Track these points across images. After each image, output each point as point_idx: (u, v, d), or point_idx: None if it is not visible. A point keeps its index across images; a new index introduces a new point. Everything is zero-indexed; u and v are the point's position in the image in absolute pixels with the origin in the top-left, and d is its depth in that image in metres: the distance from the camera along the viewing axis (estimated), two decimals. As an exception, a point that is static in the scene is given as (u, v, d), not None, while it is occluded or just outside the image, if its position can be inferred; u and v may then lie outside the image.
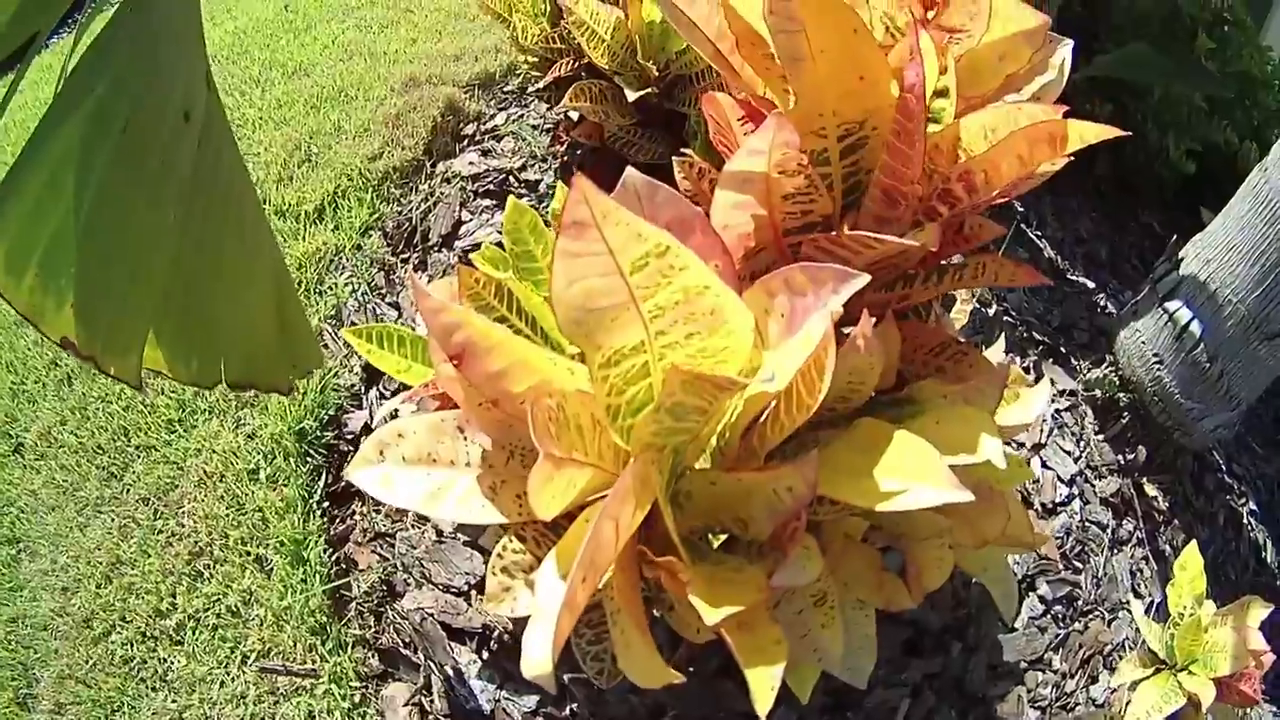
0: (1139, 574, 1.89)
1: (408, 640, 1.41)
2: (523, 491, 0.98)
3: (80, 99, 0.68)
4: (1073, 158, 0.97)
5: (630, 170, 0.83)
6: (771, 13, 0.87)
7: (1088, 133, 0.92)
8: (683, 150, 1.15)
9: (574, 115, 1.83)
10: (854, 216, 1.05)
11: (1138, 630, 1.83)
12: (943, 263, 1.14)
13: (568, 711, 1.36)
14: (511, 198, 1.14)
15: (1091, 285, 2.20)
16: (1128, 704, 1.73)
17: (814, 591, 1.02)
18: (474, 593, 1.43)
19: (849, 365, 0.87)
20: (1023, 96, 1.12)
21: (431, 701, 1.35)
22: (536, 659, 0.65)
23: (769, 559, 0.94)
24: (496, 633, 1.39)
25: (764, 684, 0.76)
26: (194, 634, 1.44)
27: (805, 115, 0.94)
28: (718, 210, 0.91)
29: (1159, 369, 1.92)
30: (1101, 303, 2.18)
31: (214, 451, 1.59)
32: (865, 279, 0.79)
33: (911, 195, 0.99)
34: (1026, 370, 1.94)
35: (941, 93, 1.00)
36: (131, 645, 1.47)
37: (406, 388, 1.57)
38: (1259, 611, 1.56)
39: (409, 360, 1.16)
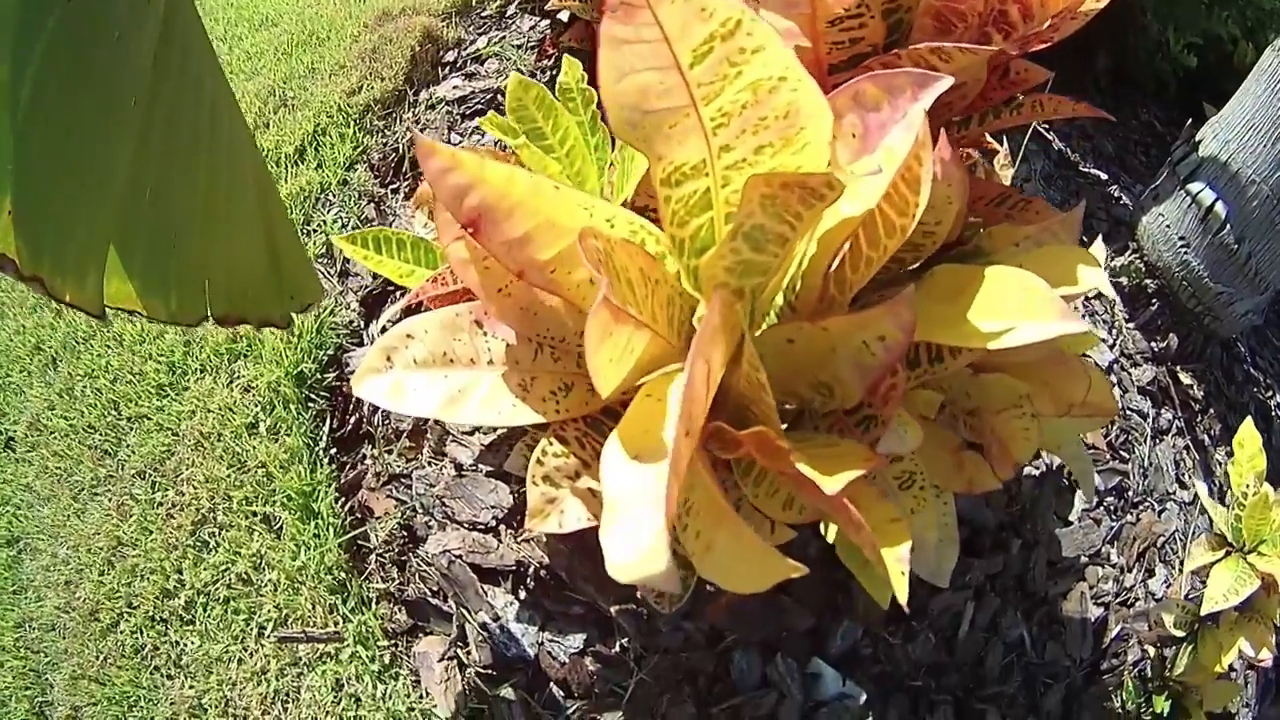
0: (1182, 464, 1.72)
1: (436, 588, 1.21)
2: (559, 386, 0.78)
3: None
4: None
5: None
6: None
7: None
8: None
9: (561, 18, 1.61)
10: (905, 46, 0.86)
11: (1187, 521, 1.68)
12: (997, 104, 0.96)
13: (617, 647, 1.17)
14: (514, 74, 0.93)
15: (1104, 177, 2.01)
16: (1186, 595, 1.58)
17: (898, 473, 0.83)
18: (503, 527, 1.24)
19: (934, 194, 0.67)
20: None
21: (468, 652, 1.16)
22: (639, 549, 0.45)
23: (849, 434, 0.76)
24: (532, 568, 1.20)
25: (898, 565, 0.57)
26: (205, 611, 1.24)
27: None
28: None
29: (1186, 253, 1.75)
30: (1115, 194, 1.99)
31: (209, 410, 1.38)
32: (949, 80, 0.60)
33: (970, 13, 0.80)
34: (1055, 260, 1.76)
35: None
36: (141, 632, 1.27)
37: (415, 314, 1.38)
38: None
39: (411, 264, 0.95)
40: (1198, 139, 1.80)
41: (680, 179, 0.60)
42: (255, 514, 1.26)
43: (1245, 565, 1.38)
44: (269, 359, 1.37)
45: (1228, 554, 1.39)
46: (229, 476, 1.30)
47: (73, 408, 1.55)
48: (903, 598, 0.59)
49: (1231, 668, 1.59)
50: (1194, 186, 1.76)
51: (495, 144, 1.55)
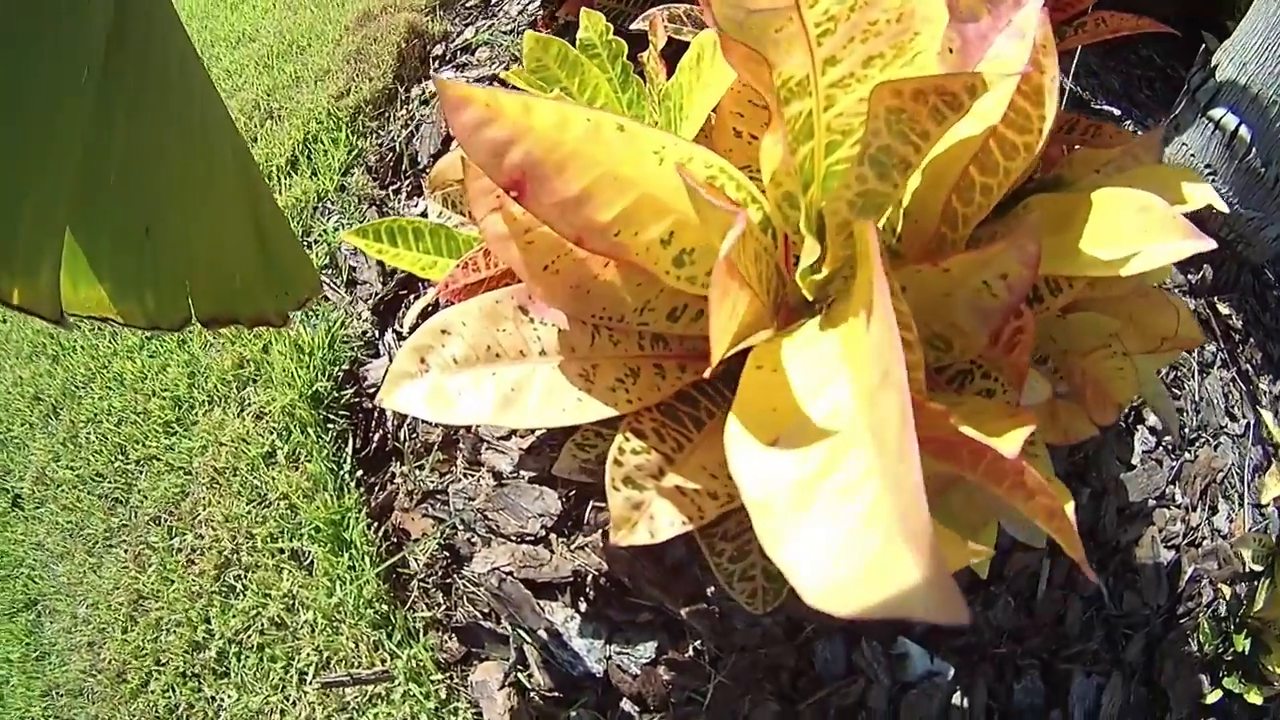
0: (1230, 396, 1.59)
1: (487, 610, 1.07)
2: (624, 373, 0.64)
3: None
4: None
5: None
6: None
7: None
8: None
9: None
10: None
11: (1241, 454, 1.56)
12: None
13: (690, 651, 1.03)
14: (530, 32, 0.78)
15: (1117, 113, 1.87)
16: (1251, 528, 1.46)
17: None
18: (554, 536, 1.10)
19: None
20: None
21: (530, 676, 1.02)
22: (864, 563, 0.30)
23: (958, 390, 0.62)
24: (590, 577, 1.06)
25: (1069, 529, 0.44)
26: (239, 661, 1.09)
27: None
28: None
29: (1214, 180, 1.62)
30: (1131, 129, 1.86)
31: (221, 444, 1.23)
32: None
33: None
34: (1085, 199, 1.63)
35: None
36: (173, 690, 1.13)
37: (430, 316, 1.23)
38: None
39: (433, 254, 0.81)
40: (1213, 64, 1.67)
41: (788, 96, 0.46)
42: (282, 551, 1.11)
43: None
44: (280, 381, 1.22)
45: None
46: (250, 513, 1.15)
47: (78, 456, 1.40)
48: (1084, 559, 0.46)
49: None
50: (1216, 112, 1.63)
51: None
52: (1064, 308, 0.84)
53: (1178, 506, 1.42)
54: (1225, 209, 0.68)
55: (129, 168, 0.56)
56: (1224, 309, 1.67)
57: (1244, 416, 1.60)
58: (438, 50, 1.66)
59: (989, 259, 0.53)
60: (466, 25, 1.70)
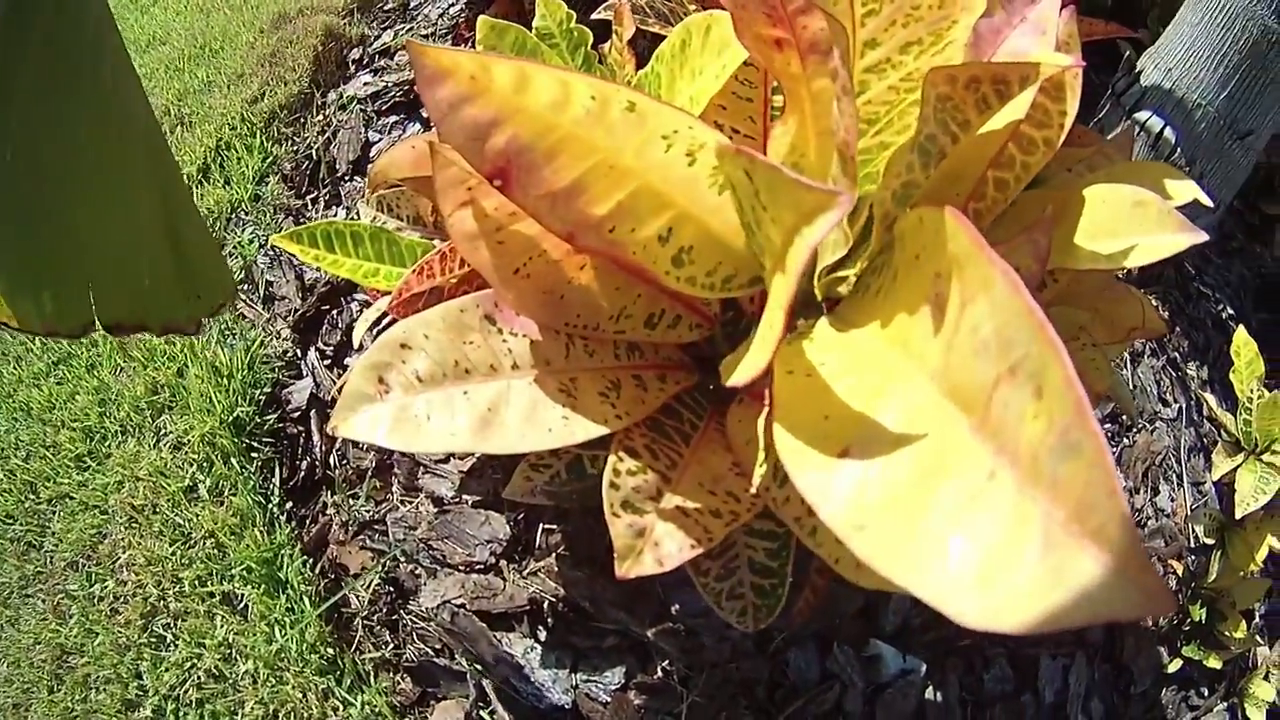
0: (1162, 383, 1.66)
1: (439, 646, 1.00)
2: (608, 386, 0.59)
3: None
4: None
5: None
6: None
7: None
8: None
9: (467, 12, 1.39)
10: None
11: (1176, 436, 1.62)
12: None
13: (660, 673, 0.98)
14: (483, 18, 0.72)
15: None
16: (1193, 506, 1.52)
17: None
18: (505, 563, 1.03)
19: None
20: None
21: (493, 712, 0.95)
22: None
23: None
24: (548, 604, 0.99)
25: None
26: (177, 718, 0.97)
27: None
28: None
29: (1138, 178, 1.69)
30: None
31: (138, 479, 1.11)
32: None
33: None
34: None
35: None
36: (110, 755, 1.00)
37: (351, 339, 1.14)
38: None
39: (374, 261, 0.73)
40: (1138, 69, 1.75)
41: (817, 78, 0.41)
42: (213, 594, 1.00)
43: (1264, 466, 1.31)
44: (197, 408, 1.11)
45: (1245, 458, 1.32)
46: (174, 554, 1.04)
47: (-14, 497, 1.24)
48: None
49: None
50: (1141, 115, 1.71)
51: (424, 136, 1.32)
52: (1049, 301, 0.84)
53: (1123, 489, 1.46)
54: (1210, 204, 0.68)
55: (30, 147, 0.48)
56: (1152, 300, 1.74)
57: (1176, 401, 1.67)
58: (355, 54, 1.56)
59: (1004, 253, 0.50)
60: (385, 29, 1.61)
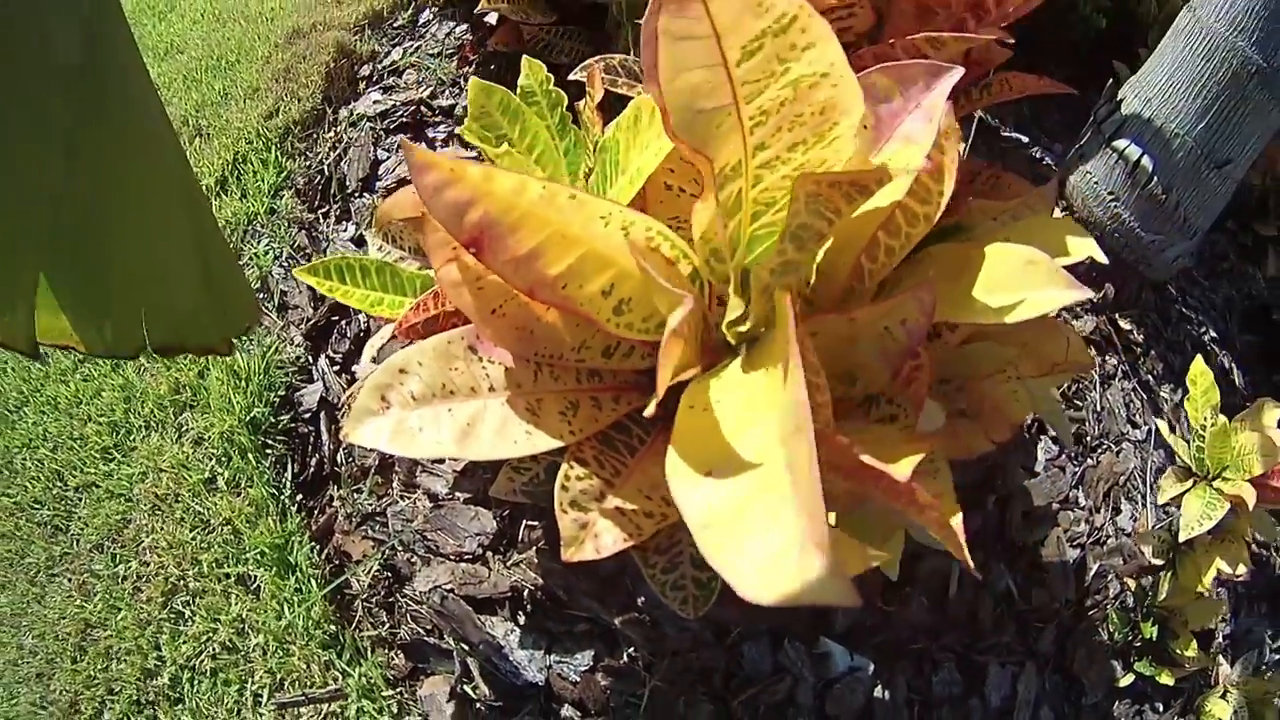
0: (1132, 405, 1.79)
1: (430, 627, 1.17)
2: (567, 406, 0.75)
3: None
4: None
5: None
6: None
7: None
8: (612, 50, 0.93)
9: (489, 21, 1.56)
10: (886, 32, 0.86)
11: (1143, 458, 1.75)
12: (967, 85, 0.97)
13: (625, 658, 1.14)
14: (474, 79, 0.89)
15: (1025, 140, 2.07)
16: (1153, 526, 1.64)
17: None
18: (491, 554, 1.20)
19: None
20: None
21: (475, 687, 1.12)
22: (813, 567, 0.41)
23: (862, 419, 0.75)
24: (527, 592, 1.16)
25: (957, 539, 0.58)
26: (193, 686, 1.15)
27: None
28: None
29: (1116, 206, 1.82)
30: (1037, 154, 2.06)
31: (161, 470, 1.29)
32: (960, 71, 0.60)
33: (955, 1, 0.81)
34: (993, 222, 1.81)
35: None
36: (128, 719, 1.17)
37: (360, 348, 1.32)
38: (1274, 412, 1.48)
39: (379, 291, 0.90)
40: (1119, 98, 1.88)
41: (724, 180, 0.58)
42: (229, 575, 1.18)
43: (1213, 492, 1.45)
44: (217, 407, 1.28)
45: (1195, 483, 1.46)
46: (194, 539, 1.21)
47: (14, 483, 1.42)
48: (970, 563, 0.59)
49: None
50: (1120, 143, 1.83)
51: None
52: (965, 338, 0.99)
53: (1081, 509, 1.60)
54: (1105, 261, 0.81)
55: (91, 206, 0.64)
56: (1125, 324, 1.88)
57: (1145, 423, 1.81)
58: (365, 70, 1.74)
59: (891, 309, 0.66)
60: (394, 46, 1.79)
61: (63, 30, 0.56)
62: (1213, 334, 2.15)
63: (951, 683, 1.32)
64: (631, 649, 1.15)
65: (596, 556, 0.68)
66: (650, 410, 0.54)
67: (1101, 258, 0.80)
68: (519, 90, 0.92)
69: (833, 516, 0.88)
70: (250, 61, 1.84)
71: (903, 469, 0.54)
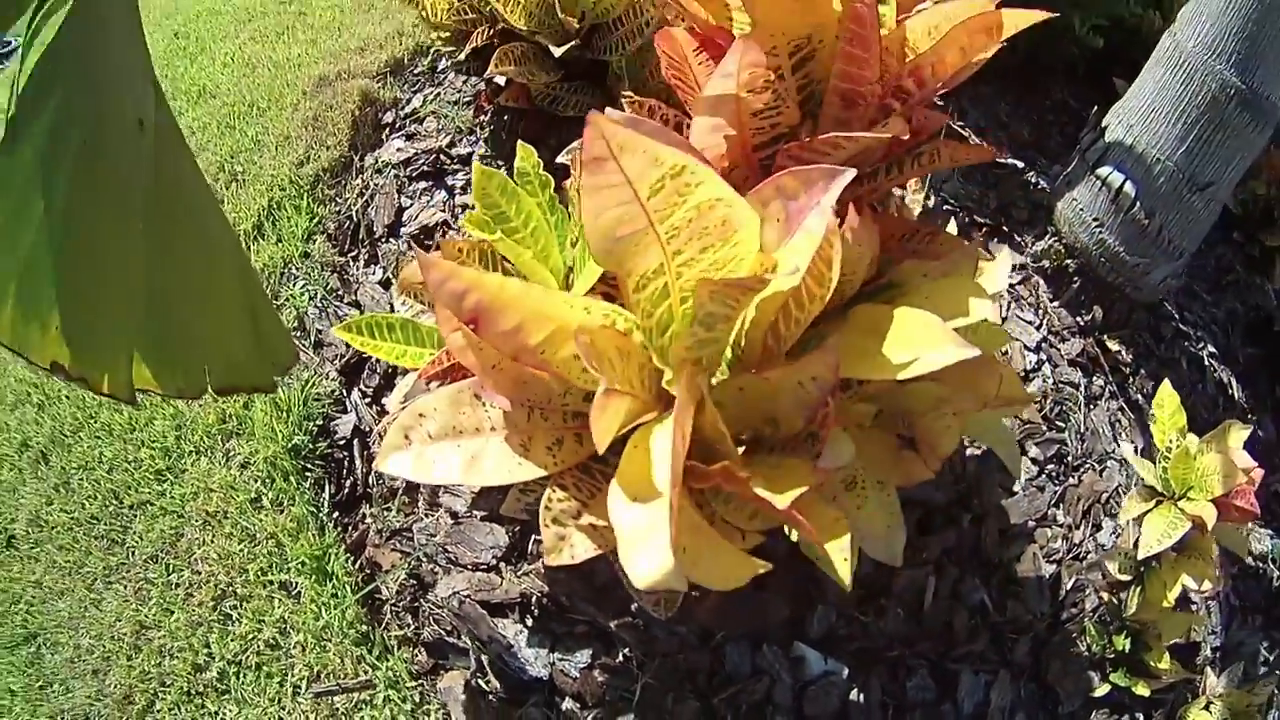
0: (1118, 424, 2.00)
1: (450, 628, 1.43)
2: (553, 442, 1.01)
3: (34, 119, 0.67)
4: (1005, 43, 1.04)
5: (608, 111, 0.85)
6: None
7: (1020, 19, 1.00)
8: (624, 94, 1.17)
9: (497, 81, 1.83)
10: (813, 124, 1.09)
11: (1129, 475, 1.95)
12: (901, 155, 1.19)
13: (620, 657, 1.39)
14: (476, 163, 1.15)
15: (1021, 165, 2.29)
16: (1135, 541, 1.84)
17: (844, 477, 1.07)
18: (504, 565, 1.46)
19: (846, 259, 0.91)
20: None
21: (488, 681, 1.38)
22: (655, 565, 0.67)
23: (799, 451, 0.99)
24: (535, 598, 1.42)
25: (840, 555, 0.82)
26: (239, 679, 1.43)
27: (757, 38, 0.97)
28: (695, 135, 0.95)
29: (1101, 231, 2.02)
30: (1033, 179, 2.28)
31: (211, 490, 1.58)
32: (852, 173, 0.84)
33: (870, 95, 1.04)
34: (979, 252, 2.03)
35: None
36: (179, 709, 1.46)
37: (388, 382, 1.59)
38: (1239, 433, 1.66)
39: (403, 344, 1.17)
40: (1104, 125, 2.08)
41: (645, 283, 0.83)
42: (273, 582, 1.46)
43: (1176, 511, 1.65)
44: (261, 435, 1.57)
45: (1158, 503, 1.66)
46: (242, 550, 1.50)
47: (72, 501, 1.72)
48: (847, 582, 0.83)
49: (1191, 601, 1.89)
50: (1103, 170, 2.03)
51: (448, 203, 1.77)
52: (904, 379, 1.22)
53: (1059, 526, 1.82)
54: (998, 322, 1.05)
55: (169, 286, 0.90)
56: (1114, 345, 2.08)
57: (1132, 442, 2.01)
58: (388, 117, 2.03)
59: (801, 368, 0.90)
60: (415, 92, 2.07)
61: (137, 164, 0.83)
62: (1211, 349, 2.34)
63: (925, 688, 1.54)
64: (626, 649, 1.40)
65: (571, 561, 0.94)
66: (600, 451, 0.80)
67: (995, 318, 1.02)
68: (515, 172, 1.18)
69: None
70: (280, 108, 2.14)
71: (783, 499, 0.79)
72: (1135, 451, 1.95)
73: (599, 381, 0.76)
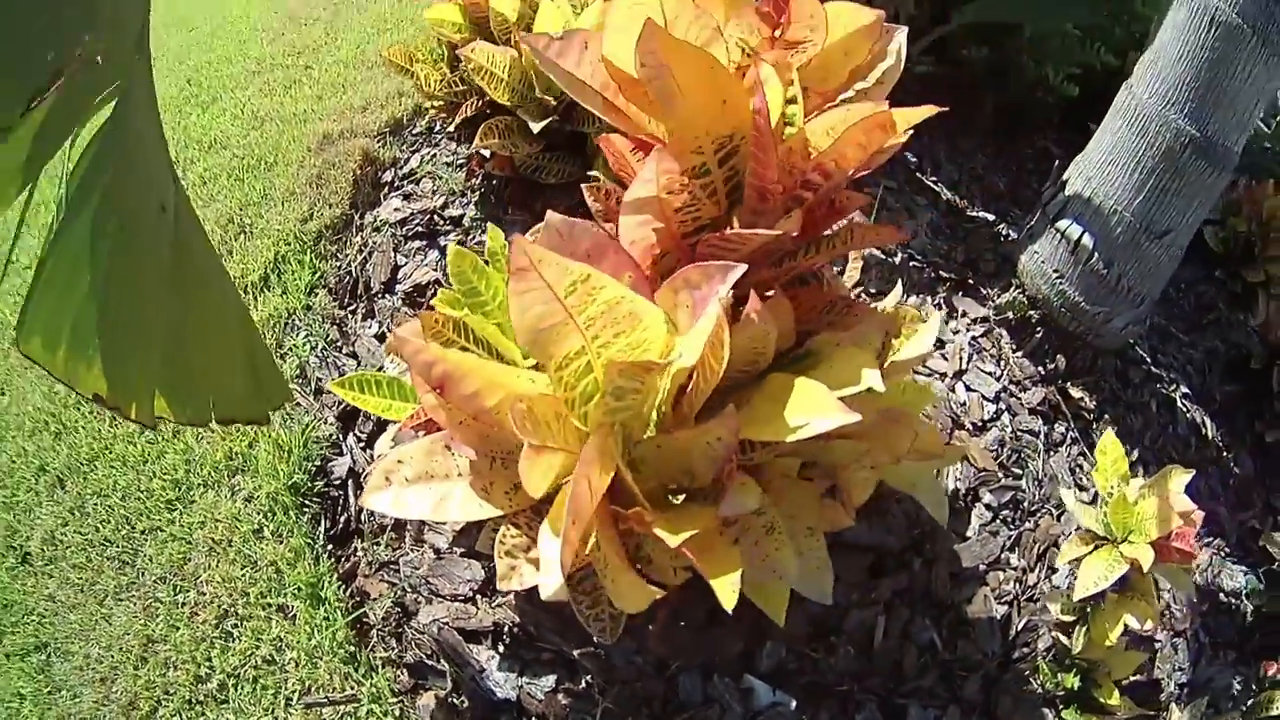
0: (1078, 470, 2.23)
1: (429, 651, 1.69)
2: (510, 488, 1.28)
3: (83, 207, 0.93)
4: (911, 133, 1.29)
5: (550, 214, 1.13)
6: (643, 65, 1.16)
7: (912, 116, 1.24)
8: (590, 173, 1.45)
9: (484, 153, 2.13)
10: (740, 210, 1.37)
11: (1088, 520, 2.18)
12: (824, 234, 1.46)
13: (583, 684, 1.65)
14: (451, 245, 1.44)
15: (992, 217, 2.55)
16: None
17: (764, 523, 1.33)
18: (480, 597, 1.73)
19: (749, 335, 1.18)
20: (869, 83, 1.42)
21: (461, 700, 1.64)
22: (552, 583, 0.95)
23: (711, 500, 1.26)
24: (507, 627, 1.68)
25: (726, 587, 1.07)
26: (236, 690, 1.70)
27: (684, 139, 1.24)
28: (625, 231, 1.22)
29: (1061, 282, 2.27)
30: (1004, 232, 2.53)
31: (217, 520, 1.86)
32: (742, 269, 1.10)
33: (776, 191, 1.31)
34: (939, 306, 2.29)
35: (793, 100, 1.31)
36: (180, 716, 1.72)
37: (380, 428, 1.87)
38: (1180, 478, 1.85)
39: (389, 399, 1.45)
40: (1065, 179, 2.33)
41: (568, 363, 1.10)
42: (271, 605, 1.73)
43: (1116, 553, 1.88)
44: (264, 473, 1.85)
45: (1096, 547, 1.89)
46: (243, 575, 1.78)
47: (86, 523, 2.01)
48: (729, 606, 1.08)
49: (1155, 639, 2.13)
50: (1062, 224, 2.28)
51: (440, 263, 2.07)
52: (828, 435, 1.48)
53: (1013, 569, 2.05)
54: (881, 389, 1.29)
55: (185, 335, 1.17)
56: (1077, 392, 2.32)
57: (1092, 486, 2.25)
58: (387, 176, 2.33)
59: (708, 430, 1.17)
60: (413, 152, 2.38)
61: (160, 240, 1.10)
62: (1185, 390, 2.57)
63: None
64: (588, 676, 1.66)
65: (521, 588, 1.21)
66: (536, 497, 1.07)
67: (880, 387, 1.25)
68: (486, 251, 1.47)
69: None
70: (286, 164, 2.45)
71: (675, 539, 1.05)
72: (1093, 500, 2.18)
73: (533, 439, 1.04)
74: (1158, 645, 2.18)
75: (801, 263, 1.40)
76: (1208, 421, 2.62)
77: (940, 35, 2.65)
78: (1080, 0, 2.69)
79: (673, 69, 1.15)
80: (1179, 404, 2.56)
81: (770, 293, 1.27)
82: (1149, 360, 2.58)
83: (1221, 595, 2.38)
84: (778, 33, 1.36)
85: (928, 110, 1.25)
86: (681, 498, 1.31)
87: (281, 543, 1.78)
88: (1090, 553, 1.90)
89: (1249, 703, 2.14)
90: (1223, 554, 2.44)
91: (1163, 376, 2.57)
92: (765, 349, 1.27)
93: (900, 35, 1.41)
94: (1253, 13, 2.01)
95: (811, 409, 1.17)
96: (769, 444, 1.30)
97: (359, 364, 2.05)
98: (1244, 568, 2.45)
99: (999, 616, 1.99)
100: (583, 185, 1.45)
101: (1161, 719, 2.08)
